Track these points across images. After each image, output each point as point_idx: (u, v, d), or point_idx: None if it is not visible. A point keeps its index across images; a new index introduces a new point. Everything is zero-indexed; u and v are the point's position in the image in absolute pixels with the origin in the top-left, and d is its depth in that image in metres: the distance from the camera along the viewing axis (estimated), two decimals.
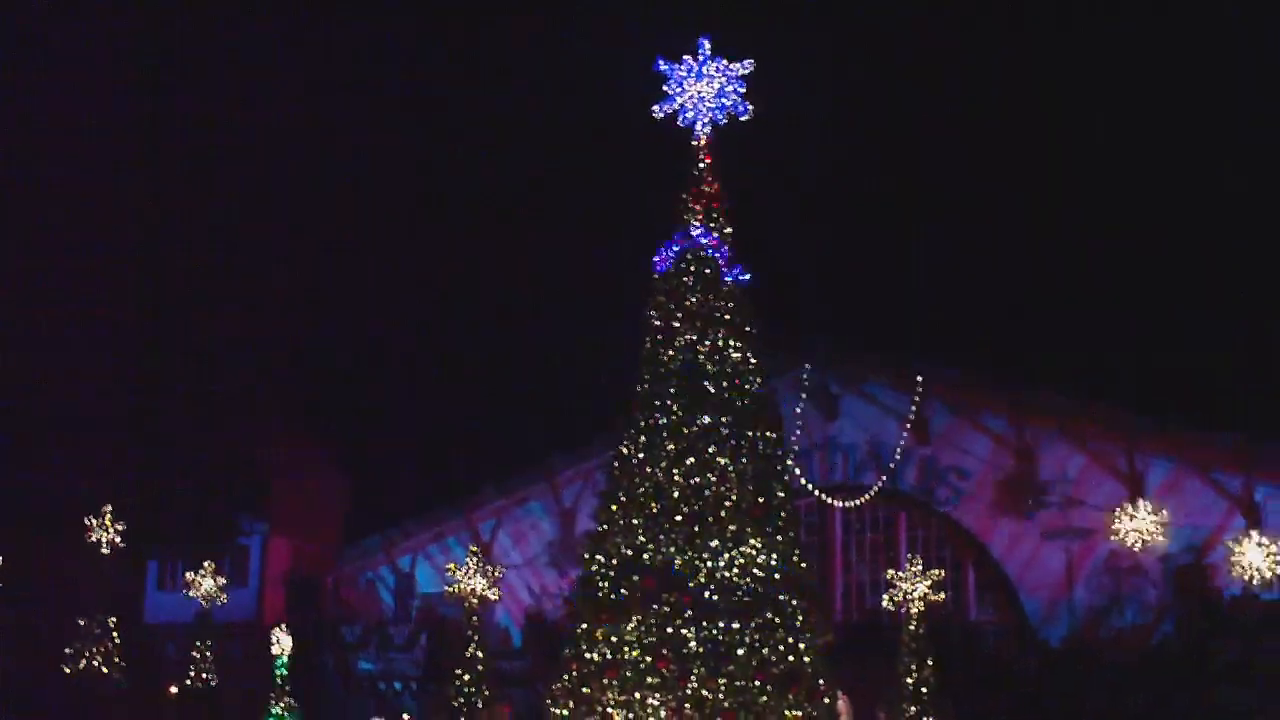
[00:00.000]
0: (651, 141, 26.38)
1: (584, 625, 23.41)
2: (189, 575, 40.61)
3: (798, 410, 43.61)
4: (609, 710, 22.64)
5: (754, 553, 22.99)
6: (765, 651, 22.47)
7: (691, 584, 22.75)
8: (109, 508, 39.90)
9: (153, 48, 53.59)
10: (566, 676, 23.41)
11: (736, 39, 25.40)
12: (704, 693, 22.14)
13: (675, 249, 24.93)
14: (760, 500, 23.50)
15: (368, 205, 55.62)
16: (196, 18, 55.16)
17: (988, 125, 52.69)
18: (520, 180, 56.18)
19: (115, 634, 38.83)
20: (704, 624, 22.50)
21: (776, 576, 23.08)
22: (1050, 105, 52.20)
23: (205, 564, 40.98)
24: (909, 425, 44.13)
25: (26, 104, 51.30)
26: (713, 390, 23.91)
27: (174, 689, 40.38)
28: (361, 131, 55.93)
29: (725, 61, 24.95)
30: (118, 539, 39.66)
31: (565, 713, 23.19)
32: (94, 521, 39.76)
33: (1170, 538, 40.92)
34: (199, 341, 51.91)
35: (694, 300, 24.46)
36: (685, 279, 24.63)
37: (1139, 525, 39.83)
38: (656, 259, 25.15)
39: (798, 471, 41.47)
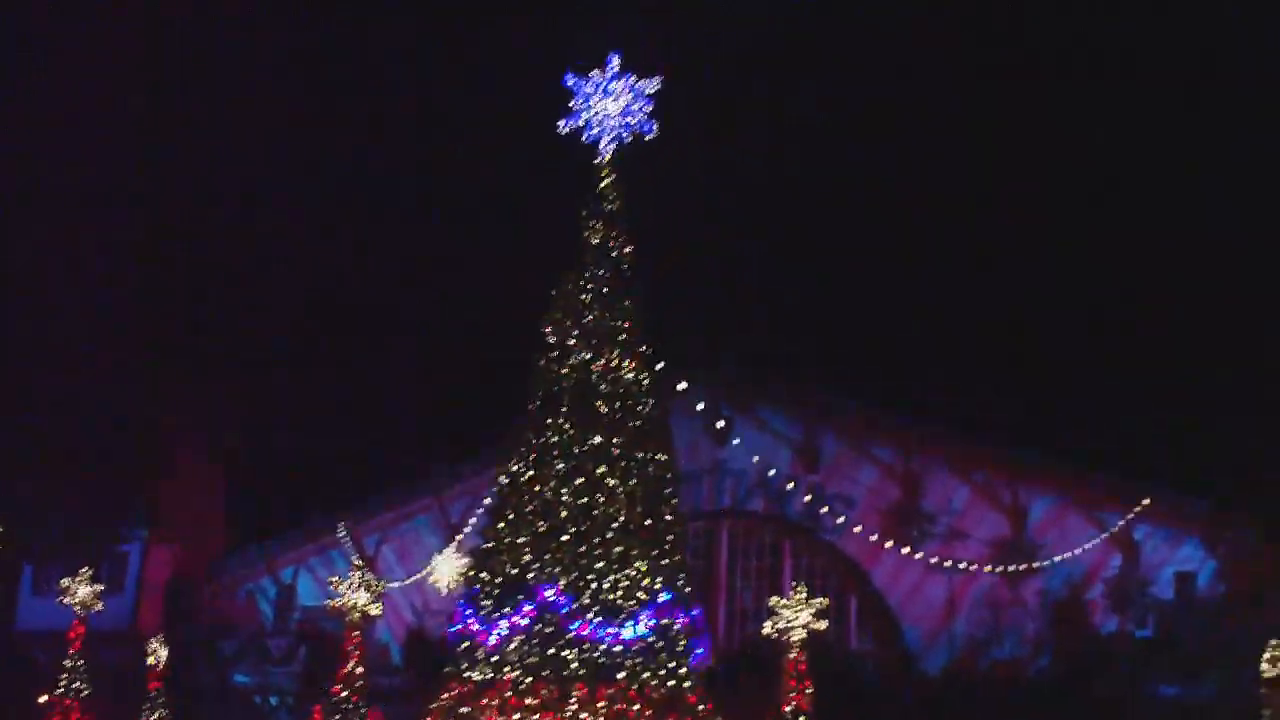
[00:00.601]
0: (556, 155, 26.28)
1: (465, 643, 23.25)
2: (64, 582, 39.65)
3: (688, 434, 43.64)
4: None
5: (639, 575, 22.96)
6: (646, 675, 22.44)
7: (575, 605, 22.67)
8: None
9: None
10: (446, 695, 23.22)
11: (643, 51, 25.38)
12: (583, 715, 22.07)
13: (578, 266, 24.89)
14: (648, 522, 23.49)
15: (255, 207, 54.76)
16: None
17: (884, 150, 52.90)
18: (419, 190, 55.63)
19: None
20: (585, 646, 22.43)
21: (661, 600, 23.06)
22: (946, 130, 52.54)
23: (81, 570, 40.03)
24: (799, 452, 44.38)
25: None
26: (605, 410, 23.86)
27: (43, 698, 39.43)
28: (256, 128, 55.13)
29: (634, 78, 24.88)
30: None
31: None
32: None
33: (1048, 571, 41.53)
34: (80, 343, 50.92)
35: (590, 318, 24.40)
36: (583, 297, 24.57)
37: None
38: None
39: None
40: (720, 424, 44.66)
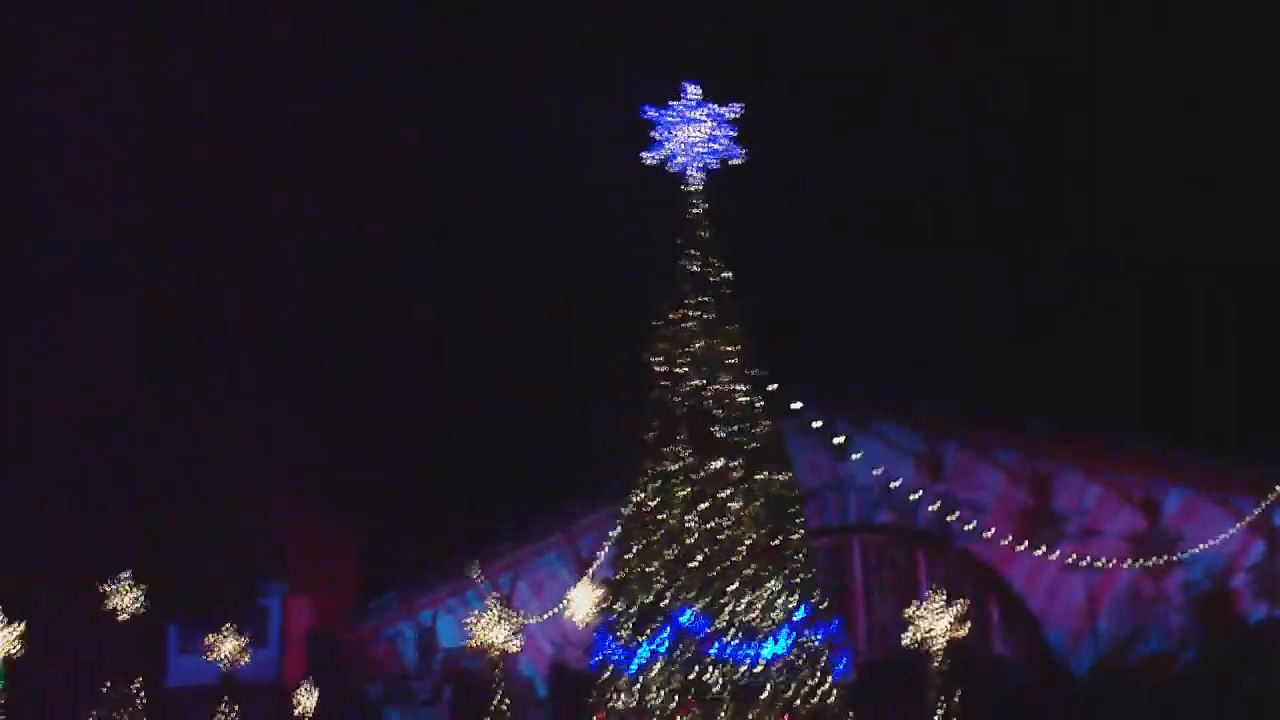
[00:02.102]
0: (651, 186, 26.44)
1: (608, 673, 23.42)
2: (209, 638, 40.46)
3: (808, 452, 43.46)
4: None
5: (773, 594, 23.00)
6: (789, 693, 22.46)
7: (712, 627, 22.76)
8: (128, 573, 39.80)
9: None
10: None
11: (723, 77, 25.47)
12: None
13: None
14: (775, 542, 23.52)
15: (371, 253, 55.74)
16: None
17: (1000, 159, 52.52)
18: (523, 229, 56.28)
19: (140, 698, 38.71)
20: (727, 667, 22.50)
21: (797, 617, 23.08)
22: (1052, 132, 52.10)
23: (225, 626, 40.86)
24: (922, 463, 44.12)
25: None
26: (721, 434, 23.94)
27: None
28: (360, 174, 56.08)
29: (714, 105, 24.92)
30: (137, 604, 39.57)
31: None
32: (112, 587, 39.69)
33: (1189, 563, 40.91)
34: (212, 401, 51.99)
35: (698, 345, 24.51)
36: (688, 324, 24.69)
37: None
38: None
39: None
40: (838, 440, 44.47)
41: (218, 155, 53.44)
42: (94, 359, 50.30)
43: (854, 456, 44.55)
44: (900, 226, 51.79)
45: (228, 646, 40.13)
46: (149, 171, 52.90)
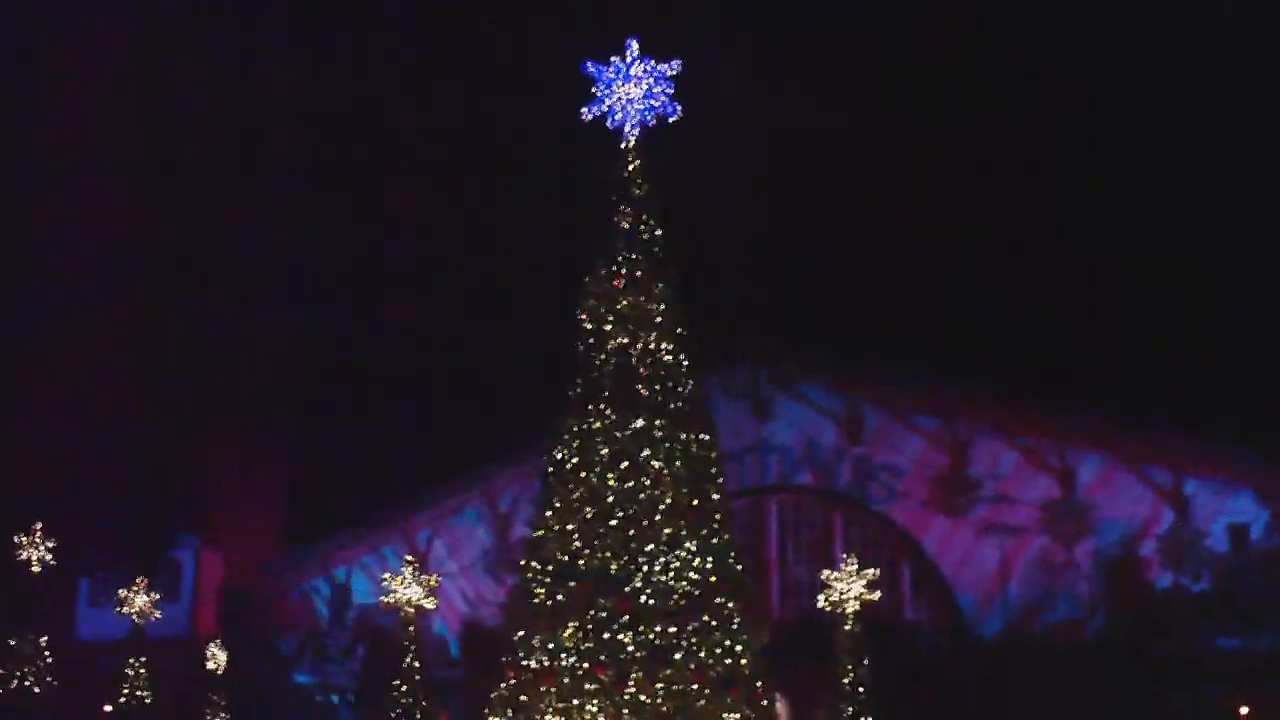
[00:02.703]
0: (583, 142, 26.24)
1: (521, 632, 23.32)
2: (121, 592, 39.97)
3: (730, 413, 43.59)
4: (547, 717, 22.57)
5: (689, 555, 22.97)
6: (703, 654, 22.47)
7: (627, 588, 22.71)
8: (39, 525, 39.21)
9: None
10: (504, 684, 23.32)
11: (666, 36, 25.33)
12: (642, 697, 22.12)
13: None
14: (694, 503, 23.48)
15: (298, 210, 55.15)
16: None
17: (918, 120, 52.72)
18: (450, 183, 55.84)
19: (46, 652, 38.23)
20: (640, 628, 22.47)
21: (713, 579, 23.07)
22: (979, 99, 52.29)
23: (137, 580, 40.39)
24: (842, 425, 44.35)
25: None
26: (645, 393, 23.85)
27: (107, 707, 39.84)
28: (288, 132, 55.48)
29: (653, 62, 24.83)
30: (48, 556, 39.00)
31: None
32: (24, 539, 39.10)
33: (1100, 530, 41.41)
34: (131, 354, 51.38)
35: (625, 303, 24.39)
36: (616, 283, 24.57)
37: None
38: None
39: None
40: (760, 401, 44.71)
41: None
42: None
43: (777, 418, 44.77)
44: (842, 200, 51.93)
45: (139, 601, 39.69)
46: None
